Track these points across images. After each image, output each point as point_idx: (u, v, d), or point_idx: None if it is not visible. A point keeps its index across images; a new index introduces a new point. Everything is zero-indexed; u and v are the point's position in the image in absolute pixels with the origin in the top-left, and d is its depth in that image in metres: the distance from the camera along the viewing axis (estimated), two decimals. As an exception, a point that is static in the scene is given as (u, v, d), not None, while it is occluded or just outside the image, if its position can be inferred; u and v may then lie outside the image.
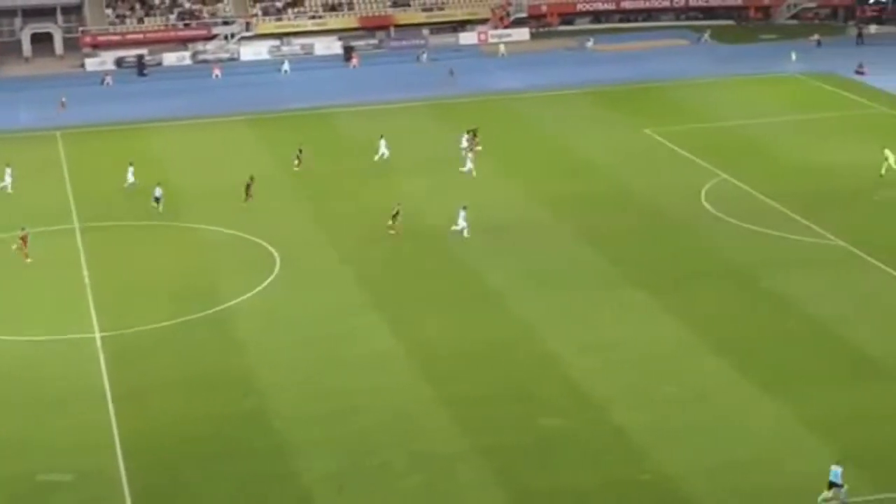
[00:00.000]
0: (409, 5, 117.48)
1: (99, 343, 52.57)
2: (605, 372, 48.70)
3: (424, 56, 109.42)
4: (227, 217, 67.30)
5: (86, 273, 60.33)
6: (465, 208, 63.76)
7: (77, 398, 47.91)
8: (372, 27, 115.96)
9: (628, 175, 72.88)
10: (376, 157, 76.34)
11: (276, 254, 61.87)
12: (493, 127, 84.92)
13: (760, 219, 64.79)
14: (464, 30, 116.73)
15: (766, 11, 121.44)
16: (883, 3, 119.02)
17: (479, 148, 76.73)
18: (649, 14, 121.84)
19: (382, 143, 76.88)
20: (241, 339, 52.69)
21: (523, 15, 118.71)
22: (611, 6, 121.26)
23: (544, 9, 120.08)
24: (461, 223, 63.33)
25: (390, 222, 64.05)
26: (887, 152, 71.13)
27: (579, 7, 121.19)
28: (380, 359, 50.44)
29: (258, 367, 49.83)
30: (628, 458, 42.46)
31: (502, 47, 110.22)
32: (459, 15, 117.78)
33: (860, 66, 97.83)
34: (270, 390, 47.89)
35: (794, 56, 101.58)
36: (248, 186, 69.46)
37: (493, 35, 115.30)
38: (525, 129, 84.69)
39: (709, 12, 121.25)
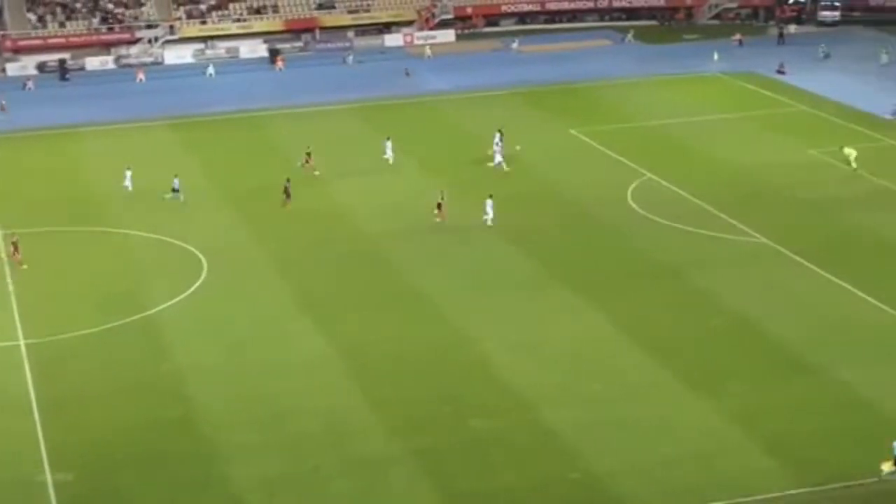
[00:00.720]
0: (334, 7, 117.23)
1: (24, 351, 52.01)
2: (534, 372, 48.99)
3: (350, 58, 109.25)
4: (154, 222, 66.81)
5: (9, 280, 59.64)
6: (491, 197, 65.01)
7: (1, 408, 47.34)
8: (297, 30, 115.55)
9: (555, 175, 73.28)
10: (385, 157, 76.31)
11: (203, 259, 61.52)
12: (419, 129, 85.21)
13: (685, 217, 65.45)
14: (389, 32, 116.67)
15: (688, 12, 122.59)
16: (802, 2, 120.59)
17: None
18: (574, 15, 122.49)
19: (388, 144, 76.69)
20: (170, 344, 52.37)
21: (449, 16, 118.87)
22: (535, 7, 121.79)
23: (469, 10, 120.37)
24: (489, 212, 64.53)
25: (436, 210, 64.94)
26: (847, 150, 72.21)
27: (504, 8, 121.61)
28: (310, 363, 50.37)
29: (187, 373, 49.56)
30: (558, 457, 42.75)
31: (428, 49, 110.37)
32: (385, 17, 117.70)
33: (781, 65, 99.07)
34: (200, 396, 47.65)
35: (716, 56, 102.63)
36: (286, 189, 69.00)
37: (419, 37, 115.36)
38: (452, 131, 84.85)
39: (632, 13, 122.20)
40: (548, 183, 72.08)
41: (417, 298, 56.24)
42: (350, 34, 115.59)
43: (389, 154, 76.47)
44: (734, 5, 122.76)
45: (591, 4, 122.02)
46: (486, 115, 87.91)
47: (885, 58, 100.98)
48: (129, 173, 71.94)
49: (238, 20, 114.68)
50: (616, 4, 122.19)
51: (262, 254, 62.58)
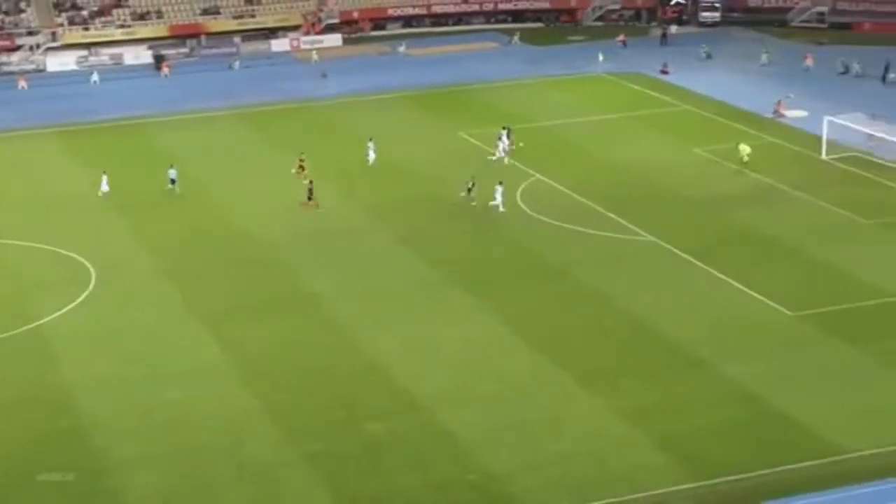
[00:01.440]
0: (219, 13, 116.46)
1: None
2: (428, 373, 49.15)
3: (237, 64, 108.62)
4: (39, 232, 65.79)
5: None
6: (501, 184, 67.30)
7: None
8: (182, 35, 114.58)
9: (444, 177, 73.55)
10: (367, 157, 76.44)
11: (91, 268, 60.73)
12: (309, 134, 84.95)
13: (574, 217, 66.13)
14: (276, 37, 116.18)
15: (572, 14, 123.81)
16: (683, 4, 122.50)
17: (513, 147, 78.01)
18: (460, 18, 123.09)
19: (370, 145, 76.69)
20: (58, 355, 51.57)
21: (335, 21, 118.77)
22: (422, 11, 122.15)
23: (356, 14, 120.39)
24: (498, 198, 66.83)
25: (464, 194, 67.55)
26: (742, 146, 74.17)
27: (391, 12, 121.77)
28: (202, 370, 49.98)
29: (77, 384, 48.82)
30: (454, 458, 42.94)
31: (315, 54, 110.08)
32: (271, 22, 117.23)
33: (664, 65, 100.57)
34: (90, 407, 47.00)
35: (601, 57, 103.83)
36: (310, 192, 69.02)
37: (306, 41, 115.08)
38: (341, 135, 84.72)
39: (518, 15, 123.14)
40: (437, 185, 72.28)
41: (309, 303, 56.08)
42: (236, 39, 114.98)
43: (372, 155, 76.52)
44: (617, 7, 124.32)
45: (476, 7, 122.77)
46: (375, 119, 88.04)
47: (765, 58, 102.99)
48: (105, 178, 71.67)
49: (122, 26, 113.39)
50: (502, 7, 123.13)
51: (151, 262, 61.94)
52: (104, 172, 72.13)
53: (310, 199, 68.81)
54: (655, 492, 40.39)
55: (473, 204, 67.42)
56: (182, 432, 45.06)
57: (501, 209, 66.97)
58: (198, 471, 42.51)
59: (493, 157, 76.56)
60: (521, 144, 78.33)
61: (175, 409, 46.75)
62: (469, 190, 68.06)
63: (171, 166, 72.39)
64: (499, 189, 67.37)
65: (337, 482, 41.62)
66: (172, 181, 71.74)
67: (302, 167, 73.80)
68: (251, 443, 44.26)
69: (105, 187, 71.57)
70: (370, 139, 77.33)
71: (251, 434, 44.87)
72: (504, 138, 77.45)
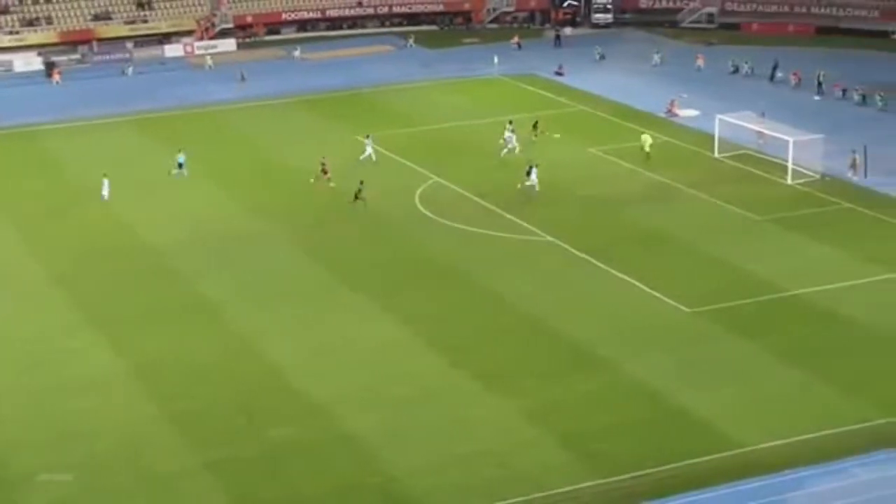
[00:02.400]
0: (110, 19, 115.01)
1: None
2: (330, 377, 49.00)
3: (130, 69, 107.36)
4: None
5: None
6: (536, 166, 70.14)
7: None
8: (73, 42, 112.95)
9: (341, 181, 73.27)
10: (362, 157, 75.78)
11: (-17, 279, 59.80)
12: (203, 139, 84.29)
13: (473, 218, 66.39)
14: (169, 42, 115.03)
15: (467, 16, 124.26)
16: (576, 5, 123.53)
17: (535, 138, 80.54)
18: (355, 22, 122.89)
19: (369, 142, 76.31)
20: (-49, 369, 50.66)
21: (229, 25, 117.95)
22: (316, 15, 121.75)
23: (250, 19, 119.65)
24: (533, 179, 69.22)
25: (354, 198, 67.99)
26: (644, 137, 76.31)
27: (285, 16, 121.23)
28: (100, 379, 49.33)
29: (-29, 397, 48.06)
30: (357, 461, 42.88)
31: (209, 59, 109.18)
32: (164, 27, 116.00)
33: (559, 67, 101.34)
34: (-14, 420, 46.29)
35: (496, 59, 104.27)
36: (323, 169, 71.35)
37: (200, 47, 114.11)
38: (237, 141, 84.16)
39: (412, 18, 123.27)
40: (336, 189, 72.01)
41: (207, 309, 55.59)
42: (129, 45, 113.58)
43: (370, 151, 76.36)
44: (511, 9, 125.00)
45: (371, 11, 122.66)
46: (272, 123, 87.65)
47: (657, 58, 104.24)
48: (106, 182, 70.87)
49: (11, 33, 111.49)
50: (396, 10, 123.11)
51: (44, 270, 61.00)
52: (104, 176, 71.41)
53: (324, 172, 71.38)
54: (559, 490, 40.66)
55: (361, 201, 67.68)
56: (81, 442, 44.42)
57: (537, 189, 69.29)
58: (98, 481, 41.94)
59: (505, 151, 77.58)
60: (556, 136, 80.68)
61: (73, 419, 46.07)
62: (357, 194, 68.02)
63: (180, 151, 75.00)
64: (534, 171, 69.50)
65: (239, 489, 41.33)
66: (180, 165, 74.61)
67: (325, 171, 73.07)
68: (151, 451, 43.80)
69: (105, 192, 70.93)
70: (367, 136, 77.88)
71: (151, 443, 44.40)
72: (511, 130, 79.14)
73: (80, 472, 42.50)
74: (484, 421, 45.44)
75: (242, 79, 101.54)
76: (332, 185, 70.80)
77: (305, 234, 65.00)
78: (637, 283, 56.98)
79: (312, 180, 72.29)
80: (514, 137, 78.41)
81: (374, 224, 66.34)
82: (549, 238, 63.33)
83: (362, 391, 47.85)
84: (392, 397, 47.30)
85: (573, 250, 61.64)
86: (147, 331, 53.71)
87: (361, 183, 68.37)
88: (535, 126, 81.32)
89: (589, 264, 60.02)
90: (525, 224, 65.28)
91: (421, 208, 68.55)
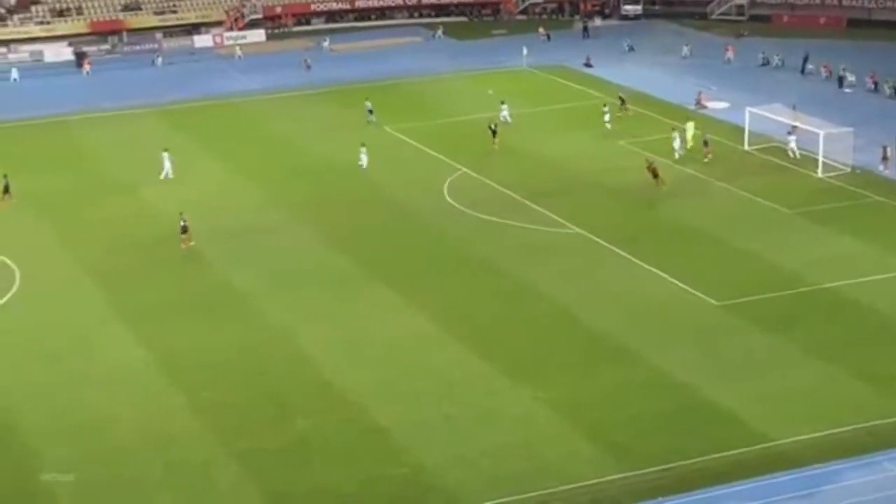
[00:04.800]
0: (140, 9, 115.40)
1: None
2: (356, 369, 49.06)
3: (159, 60, 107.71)
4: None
5: None
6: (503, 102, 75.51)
7: None
8: (103, 32, 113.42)
9: (371, 173, 73.41)
10: (359, 164, 74.44)
11: (15, 268, 60.05)
12: (230, 130, 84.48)
13: (501, 210, 66.32)
14: (198, 33, 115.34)
15: (495, 7, 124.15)
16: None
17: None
18: (383, 13, 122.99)
19: (363, 150, 74.56)
20: (-18, 358, 50.98)
21: (258, 16, 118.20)
22: (345, 6, 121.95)
23: (279, 10, 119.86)
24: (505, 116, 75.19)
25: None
26: (689, 124, 76.30)
27: (314, 7, 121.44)
28: (128, 370, 49.55)
29: (1, 385, 48.25)
30: (385, 453, 42.91)
31: (238, 49, 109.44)
32: (193, 18, 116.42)
33: (588, 58, 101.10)
34: (16, 408, 46.46)
35: (525, 50, 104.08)
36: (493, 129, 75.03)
37: (229, 37, 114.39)
38: (264, 132, 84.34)
39: (441, 9, 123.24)
40: (364, 181, 72.14)
41: (235, 301, 55.73)
42: (158, 36, 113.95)
43: (364, 160, 74.21)
44: (540, 0, 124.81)
45: (400, 1, 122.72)
46: (299, 115, 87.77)
47: (686, 50, 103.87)
48: (166, 155, 73.01)
49: (41, 23, 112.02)
50: (425, 1, 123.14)
51: (75, 261, 61.31)
52: (166, 151, 72.79)
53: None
54: (586, 483, 40.59)
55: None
56: (109, 432, 44.66)
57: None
58: (126, 471, 42.14)
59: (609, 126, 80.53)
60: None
61: (102, 409, 46.32)
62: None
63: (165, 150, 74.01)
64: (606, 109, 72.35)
65: (267, 480, 41.44)
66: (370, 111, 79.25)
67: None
68: (179, 442, 43.96)
69: (166, 166, 72.14)
70: (362, 144, 75.38)
71: (179, 432, 44.56)
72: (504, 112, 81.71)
73: (107, 462, 42.73)
74: (511, 413, 45.42)
75: (308, 66, 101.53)
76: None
77: (334, 225, 65.07)
78: (665, 276, 56.84)
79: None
80: (507, 113, 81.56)
81: (401, 215, 66.37)
82: (578, 230, 63.22)
83: (390, 382, 47.91)
84: (419, 389, 47.32)
85: (602, 242, 61.52)
86: (174, 322, 53.89)
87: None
88: (622, 102, 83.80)
89: (617, 256, 59.90)
90: (553, 216, 65.16)
91: (449, 200, 68.53)
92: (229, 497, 40.70)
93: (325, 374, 48.71)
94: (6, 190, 69.20)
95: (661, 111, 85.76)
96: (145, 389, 47.96)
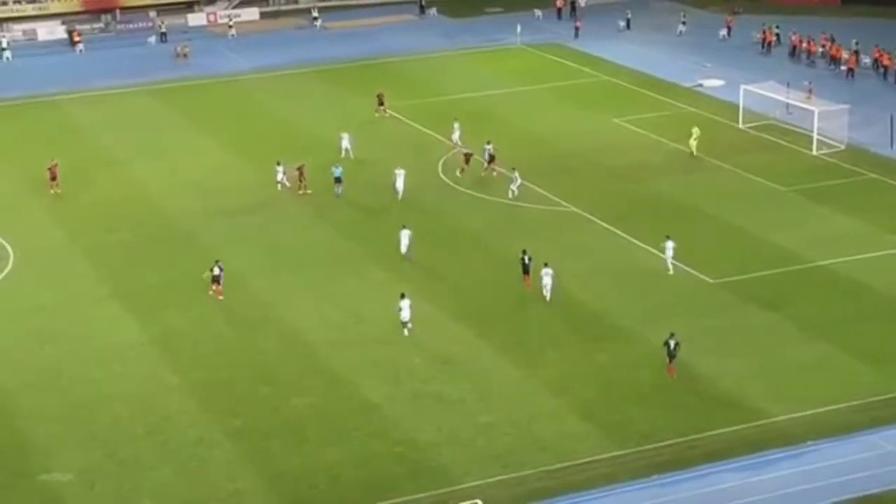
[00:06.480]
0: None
1: None
2: (350, 348, 49.04)
3: (153, 38, 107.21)
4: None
5: None
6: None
7: None
8: (97, 10, 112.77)
9: (364, 151, 73.17)
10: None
11: (9, 247, 59.92)
12: (224, 108, 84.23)
13: (496, 188, 66.19)
14: (192, 11, 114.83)
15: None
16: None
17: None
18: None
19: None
20: (-24, 337, 50.91)
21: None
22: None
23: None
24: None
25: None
26: (694, 129, 71.83)
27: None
28: (123, 349, 49.51)
29: (-5, 366, 48.32)
30: (379, 430, 42.93)
31: (232, 28, 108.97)
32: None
33: (576, 30, 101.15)
34: (10, 388, 46.45)
35: (519, 28, 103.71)
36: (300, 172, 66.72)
37: (223, 15, 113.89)
38: (257, 110, 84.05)
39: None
40: (357, 159, 71.94)
41: (229, 280, 55.53)
42: (152, 14, 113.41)
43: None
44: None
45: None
46: (293, 93, 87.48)
47: (681, 27, 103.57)
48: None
49: (34, 1, 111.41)
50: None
51: (68, 240, 61.20)
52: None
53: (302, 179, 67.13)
54: (581, 460, 40.66)
55: (303, 192, 65.52)
56: (104, 411, 44.64)
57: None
58: (121, 449, 42.14)
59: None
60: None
61: (96, 389, 46.32)
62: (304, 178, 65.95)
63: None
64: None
65: (261, 458, 41.46)
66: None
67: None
68: (174, 421, 43.96)
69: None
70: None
71: (173, 411, 44.57)
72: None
73: (103, 440, 42.71)
74: (505, 391, 45.43)
75: (185, 56, 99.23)
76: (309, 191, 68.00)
77: (326, 204, 64.93)
78: (660, 254, 56.76)
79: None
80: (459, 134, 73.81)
81: (395, 193, 66.10)
82: (573, 208, 63.14)
83: (384, 361, 47.88)
84: (413, 367, 47.32)
85: (597, 220, 61.45)
86: (168, 301, 53.82)
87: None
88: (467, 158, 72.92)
89: (613, 234, 59.84)
90: (548, 194, 65.06)
91: (443, 177, 68.40)
92: (224, 475, 40.69)
93: (319, 352, 48.68)
94: (53, 178, 67.70)
95: (656, 89, 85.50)
96: (140, 369, 47.93)
